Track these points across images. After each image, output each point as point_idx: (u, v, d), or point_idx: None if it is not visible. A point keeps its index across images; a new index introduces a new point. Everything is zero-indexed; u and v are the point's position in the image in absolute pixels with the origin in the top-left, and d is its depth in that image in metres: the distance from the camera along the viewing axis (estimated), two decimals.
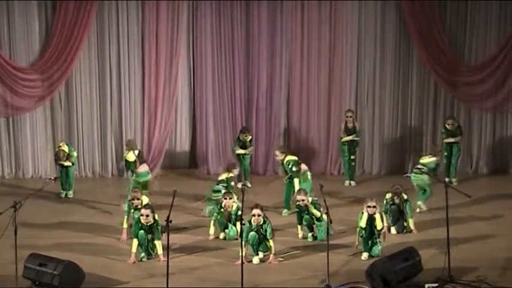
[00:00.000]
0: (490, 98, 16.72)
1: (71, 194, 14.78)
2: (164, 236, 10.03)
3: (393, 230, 12.11)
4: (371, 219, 10.85)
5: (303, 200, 11.70)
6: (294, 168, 13.11)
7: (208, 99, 16.80)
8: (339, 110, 16.70)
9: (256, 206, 10.81)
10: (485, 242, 11.67)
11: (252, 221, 10.70)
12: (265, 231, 10.67)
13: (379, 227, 10.85)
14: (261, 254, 10.80)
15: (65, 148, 14.76)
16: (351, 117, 15.67)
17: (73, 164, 14.88)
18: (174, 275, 9.81)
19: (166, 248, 9.50)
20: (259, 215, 10.68)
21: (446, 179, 15.15)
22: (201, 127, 16.92)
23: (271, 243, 10.71)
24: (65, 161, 14.67)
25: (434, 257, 10.53)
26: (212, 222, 11.91)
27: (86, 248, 11.30)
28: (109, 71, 16.55)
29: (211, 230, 11.85)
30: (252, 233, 10.67)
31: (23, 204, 9.69)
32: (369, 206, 10.88)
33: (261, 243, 10.74)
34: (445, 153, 15.82)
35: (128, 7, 16.38)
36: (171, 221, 9.47)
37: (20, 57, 16.19)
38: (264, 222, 10.72)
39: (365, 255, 10.85)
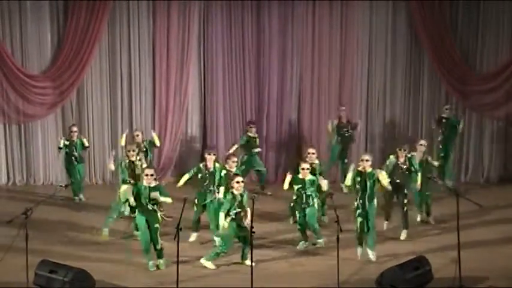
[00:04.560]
0: (501, 107, 16.70)
1: (82, 197, 14.87)
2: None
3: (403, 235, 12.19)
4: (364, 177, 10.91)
5: (367, 160, 11.02)
6: None
7: (218, 107, 16.83)
8: (350, 117, 16.71)
9: (237, 175, 11.11)
10: (496, 250, 11.62)
11: (235, 189, 10.76)
12: (243, 199, 10.77)
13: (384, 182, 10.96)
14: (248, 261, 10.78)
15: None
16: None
17: (79, 154, 14.91)
18: (184, 282, 9.81)
19: (176, 256, 9.50)
20: (242, 182, 10.81)
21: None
22: (212, 135, 16.94)
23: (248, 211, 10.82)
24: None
25: (444, 266, 10.49)
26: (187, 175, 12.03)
27: (96, 256, 11.32)
28: (120, 78, 16.62)
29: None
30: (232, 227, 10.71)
31: (34, 211, 9.74)
32: (362, 160, 10.96)
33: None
34: (441, 154, 15.77)
35: (139, 15, 16.45)
36: (181, 229, 9.47)
37: (32, 64, 16.28)
38: (244, 191, 10.87)
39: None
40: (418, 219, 13.22)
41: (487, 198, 14.56)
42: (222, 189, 11.71)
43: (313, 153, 12.82)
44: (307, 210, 11.57)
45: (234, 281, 10.20)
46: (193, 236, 12.13)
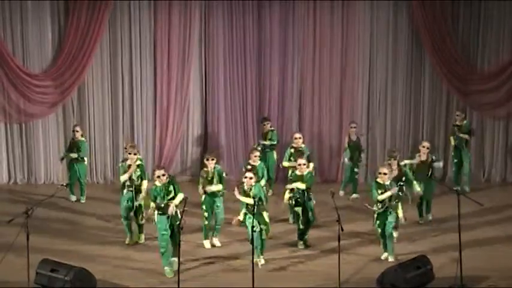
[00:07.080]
0: (502, 106, 16.67)
1: (83, 199, 14.86)
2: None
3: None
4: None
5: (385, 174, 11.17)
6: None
7: (220, 107, 16.82)
8: (350, 118, 16.67)
9: (250, 170, 11.28)
10: (497, 250, 11.62)
11: (245, 184, 10.88)
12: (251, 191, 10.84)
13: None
14: (262, 260, 10.92)
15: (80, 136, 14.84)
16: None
17: (80, 157, 14.75)
18: (185, 281, 9.82)
19: (177, 255, 9.50)
20: (251, 178, 10.87)
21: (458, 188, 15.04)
22: (213, 134, 16.94)
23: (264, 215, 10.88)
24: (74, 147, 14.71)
25: (446, 266, 10.50)
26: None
27: (97, 254, 11.32)
28: (121, 78, 16.61)
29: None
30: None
31: (34, 210, 9.74)
32: (380, 173, 11.04)
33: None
34: (455, 160, 15.69)
35: (140, 14, 16.43)
36: (182, 228, 9.49)
37: (33, 63, 16.27)
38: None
39: (385, 255, 11.09)
40: (421, 222, 13.25)
41: (488, 198, 14.55)
42: (220, 186, 11.90)
43: (299, 138, 13.36)
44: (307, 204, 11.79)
45: (234, 281, 10.20)
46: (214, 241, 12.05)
